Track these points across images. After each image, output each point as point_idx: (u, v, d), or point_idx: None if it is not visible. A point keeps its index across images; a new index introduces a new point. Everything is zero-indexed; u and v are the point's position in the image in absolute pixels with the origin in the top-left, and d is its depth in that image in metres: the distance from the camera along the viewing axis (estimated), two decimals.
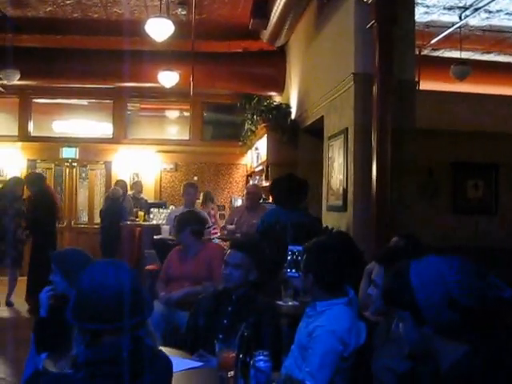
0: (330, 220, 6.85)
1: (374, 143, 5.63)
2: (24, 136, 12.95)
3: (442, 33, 9.89)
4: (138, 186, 12.21)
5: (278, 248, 5.70)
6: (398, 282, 1.94)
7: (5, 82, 10.58)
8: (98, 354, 2.07)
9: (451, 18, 9.39)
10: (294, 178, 6.41)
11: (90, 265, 2.32)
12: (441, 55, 11.27)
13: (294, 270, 3.58)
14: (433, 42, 10.30)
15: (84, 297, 2.17)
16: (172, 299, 5.14)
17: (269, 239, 5.77)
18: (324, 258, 3.15)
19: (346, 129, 6.30)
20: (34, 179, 9.52)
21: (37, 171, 10.80)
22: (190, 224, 5.47)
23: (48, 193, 9.58)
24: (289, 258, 3.64)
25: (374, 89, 5.66)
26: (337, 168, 6.68)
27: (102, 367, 2.04)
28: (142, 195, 12.13)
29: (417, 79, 7.41)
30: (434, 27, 9.83)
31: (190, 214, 5.89)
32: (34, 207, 9.10)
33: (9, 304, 9.07)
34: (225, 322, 3.63)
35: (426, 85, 8.98)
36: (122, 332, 2.08)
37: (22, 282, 9.54)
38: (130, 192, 11.79)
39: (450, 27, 9.66)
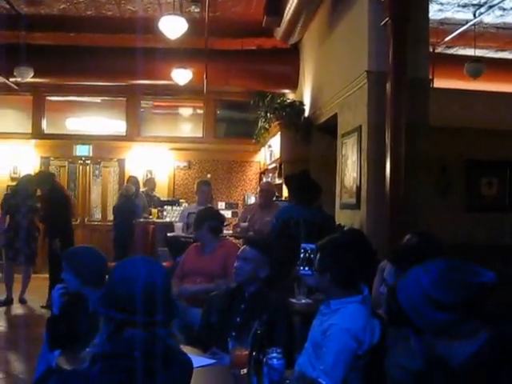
0: (343, 218, 6.84)
1: (387, 141, 5.61)
2: (37, 133, 12.99)
3: (456, 30, 9.85)
4: (151, 183, 12.24)
5: (293, 245, 5.76)
6: (393, 303, 1.96)
7: (18, 79, 10.62)
8: (117, 347, 2.09)
9: (465, 15, 9.35)
10: (308, 176, 6.47)
11: (103, 261, 2.34)
12: (455, 53, 11.23)
13: (306, 268, 3.58)
14: (447, 39, 10.26)
15: (114, 286, 2.20)
16: (187, 291, 5.11)
17: (284, 236, 5.82)
18: (341, 256, 3.14)
19: (360, 126, 6.29)
20: (45, 178, 9.55)
21: (45, 169, 10.80)
22: (208, 221, 5.45)
23: (60, 190, 9.63)
24: (301, 255, 3.63)
25: (388, 86, 5.65)
26: (350, 166, 6.67)
27: (118, 361, 2.05)
28: (154, 192, 12.16)
29: (431, 77, 7.38)
30: (448, 25, 9.79)
31: (208, 211, 5.89)
32: (49, 205, 9.14)
33: (22, 301, 9.14)
34: (238, 319, 3.64)
35: (439, 83, 8.95)
36: (145, 327, 2.10)
37: (36, 279, 9.62)
38: (142, 189, 11.82)
39: (464, 25, 9.62)
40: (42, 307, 8.69)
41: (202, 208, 6.40)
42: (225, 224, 5.76)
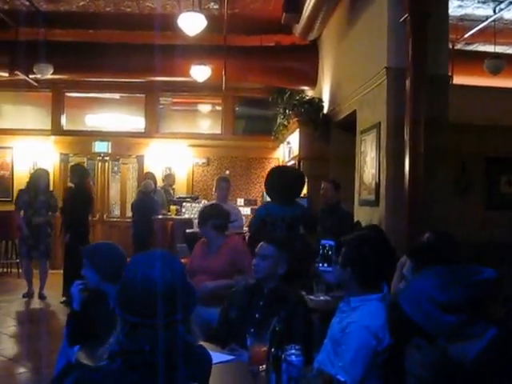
0: (362, 214, 6.83)
1: (406, 137, 5.60)
2: (57, 130, 13.06)
3: (476, 26, 9.77)
4: (170, 178, 12.30)
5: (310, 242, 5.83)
6: (398, 321, 1.98)
7: (38, 76, 10.71)
8: (135, 344, 2.08)
9: (485, 11, 9.27)
10: (285, 172, 6.52)
11: (123, 257, 2.30)
12: (475, 49, 11.14)
13: (325, 265, 3.57)
14: (467, 35, 10.18)
15: (127, 289, 2.17)
16: (207, 288, 4.99)
17: (261, 234, 5.81)
18: (364, 252, 3.15)
19: (379, 123, 6.28)
20: (79, 172, 9.59)
21: (84, 165, 10.85)
22: (212, 218, 5.35)
23: (87, 187, 9.71)
24: (320, 251, 3.63)
25: (407, 83, 5.63)
26: (369, 162, 6.65)
27: (136, 358, 2.05)
28: (172, 188, 12.22)
29: (450, 73, 7.34)
30: (467, 21, 9.71)
31: (212, 208, 5.76)
32: (71, 199, 9.23)
33: (41, 297, 9.21)
34: (256, 315, 3.65)
35: (459, 79, 8.88)
36: (161, 327, 2.09)
37: (56, 274, 9.70)
38: (161, 184, 11.87)
39: (484, 21, 9.55)
40: (61, 303, 8.76)
41: (207, 205, 6.32)
42: (231, 220, 5.67)
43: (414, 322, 1.91)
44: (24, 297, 9.12)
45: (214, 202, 8.35)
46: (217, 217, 5.38)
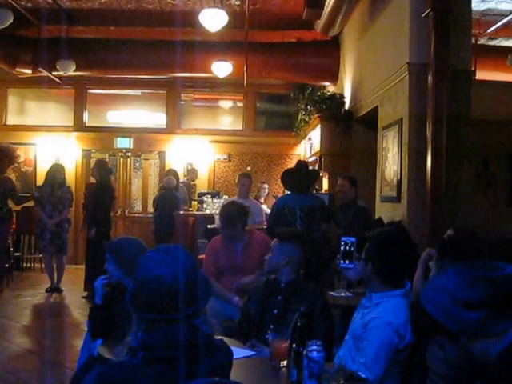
0: (383, 211, 6.81)
1: (428, 133, 5.56)
2: (79, 126, 13.16)
3: (500, 21, 9.67)
4: (193, 173, 12.34)
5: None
6: (420, 319, 1.98)
7: (61, 73, 10.79)
8: (154, 339, 2.09)
9: (509, 5, 9.16)
10: (300, 162, 7.04)
11: (145, 252, 2.31)
12: (498, 44, 11.03)
13: (347, 262, 3.57)
14: (489, 30, 10.07)
15: (139, 287, 2.18)
16: (245, 283, 5.02)
17: (280, 225, 6.05)
18: (388, 248, 3.15)
19: (401, 119, 6.24)
20: (103, 168, 9.69)
21: (103, 160, 10.95)
22: (241, 219, 5.40)
23: (109, 183, 9.82)
24: (341, 248, 3.62)
25: (429, 79, 5.59)
26: (391, 158, 6.62)
27: (157, 352, 2.06)
28: (193, 183, 12.27)
29: (473, 69, 7.28)
30: (490, 16, 9.61)
31: (239, 208, 5.70)
32: (94, 194, 9.32)
33: (58, 290, 9.31)
34: (275, 311, 3.66)
35: (482, 74, 8.80)
36: (178, 321, 2.10)
37: (77, 269, 9.80)
38: (183, 179, 11.92)
39: (507, 15, 9.44)
40: (84, 298, 8.85)
41: (229, 204, 6.30)
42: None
43: (436, 321, 1.90)
44: (47, 291, 9.23)
45: (234, 198, 8.39)
46: (245, 216, 5.46)
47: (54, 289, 9.28)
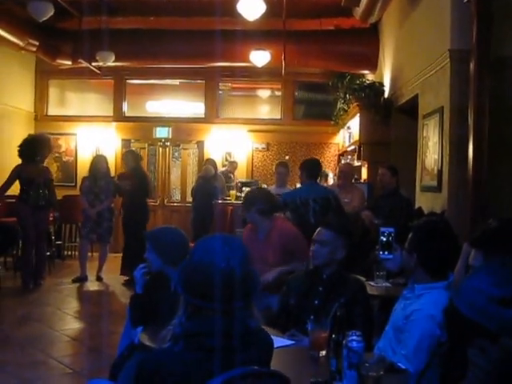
0: (423, 200, 6.74)
1: (470, 122, 5.45)
2: (119, 116, 13.27)
3: None
4: (232, 166, 12.36)
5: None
6: (456, 324, 1.95)
7: (100, 63, 10.90)
8: (197, 327, 2.11)
9: None
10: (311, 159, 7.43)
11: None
12: None
13: (386, 252, 3.54)
14: None
15: (191, 270, 2.19)
16: (268, 280, 4.84)
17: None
18: (432, 239, 3.12)
19: (442, 107, 6.16)
20: (134, 156, 9.86)
21: (134, 150, 11.08)
22: (256, 203, 5.17)
23: (142, 171, 9.91)
24: (380, 239, 3.59)
25: (472, 66, 5.47)
26: (431, 148, 6.55)
27: (199, 340, 2.07)
28: (232, 174, 12.30)
29: None
30: None
31: (257, 192, 5.64)
32: (130, 183, 9.42)
33: (98, 278, 9.46)
34: (316, 302, 3.64)
35: None
36: (224, 312, 2.10)
37: (116, 258, 9.92)
38: (222, 169, 11.96)
39: None
40: (123, 284, 8.98)
41: (250, 190, 6.24)
42: (277, 204, 5.54)
43: (474, 323, 1.88)
44: (74, 281, 9.28)
45: (272, 187, 8.39)
46: (261, 201, 5.20)
47: (84, 278, 9.40)
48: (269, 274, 4.94)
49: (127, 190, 9.45)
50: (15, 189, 8.83)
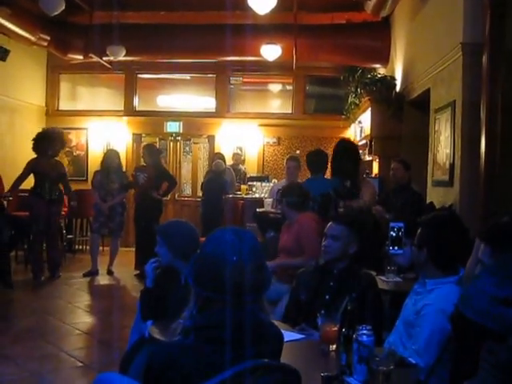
0: (435, 195, 6.70)
1: (482, 116, 5.40)
2: (129, 111, 13.29)
3: None
4: (236, 157, 12.35)
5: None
6: (464, 327, 1.94)
7: (111, 58, 10.92)
8: (208, 319, 2.11)
9: None
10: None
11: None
12: None
13: (396, 248, 3.52)
14: None
15: (203, 261, 2.19)
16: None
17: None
18: (442, 234, 3.10)
19: (454, 101, 6.11)
20: (154, 151, 9.97)
21: (151, 144, 11.10)
22: (285, 196, 5.62)
23: (161, 166, 10.03)
24: (390, 234, 3.58)
25: (484, 59, 5.42)
26: (443, 142, 6.50)
27: (209, 333, 2.07)
28: (240, 166, 12.30)
29: None
30: None
31: (290, 186, 6.00)
32: (146, 177, 9.46)
33: (109, 272, 9.51)
34: (327, 297, 3.62)
35: None
36: (234, 305, 2.10)
37: (127, 252, 9.95)
38: (229, 163, 11.96)
39: None
40: (136, 276, 9.02)
41: (290, 183, 6.47)
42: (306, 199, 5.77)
43: (480, 326, 1.86)
44: (84, 275, 9.31)
45: (282, 181, 8.38)
46: (290, 195, 5.61)
47: (95, 272, 9.43)
48: (269, 263, 5.01)
49: (142, 184, 9.48)
50: (27, 183, 8.89)
